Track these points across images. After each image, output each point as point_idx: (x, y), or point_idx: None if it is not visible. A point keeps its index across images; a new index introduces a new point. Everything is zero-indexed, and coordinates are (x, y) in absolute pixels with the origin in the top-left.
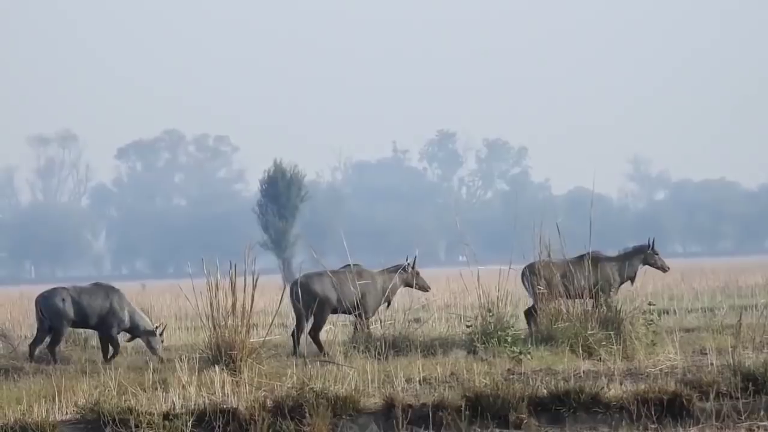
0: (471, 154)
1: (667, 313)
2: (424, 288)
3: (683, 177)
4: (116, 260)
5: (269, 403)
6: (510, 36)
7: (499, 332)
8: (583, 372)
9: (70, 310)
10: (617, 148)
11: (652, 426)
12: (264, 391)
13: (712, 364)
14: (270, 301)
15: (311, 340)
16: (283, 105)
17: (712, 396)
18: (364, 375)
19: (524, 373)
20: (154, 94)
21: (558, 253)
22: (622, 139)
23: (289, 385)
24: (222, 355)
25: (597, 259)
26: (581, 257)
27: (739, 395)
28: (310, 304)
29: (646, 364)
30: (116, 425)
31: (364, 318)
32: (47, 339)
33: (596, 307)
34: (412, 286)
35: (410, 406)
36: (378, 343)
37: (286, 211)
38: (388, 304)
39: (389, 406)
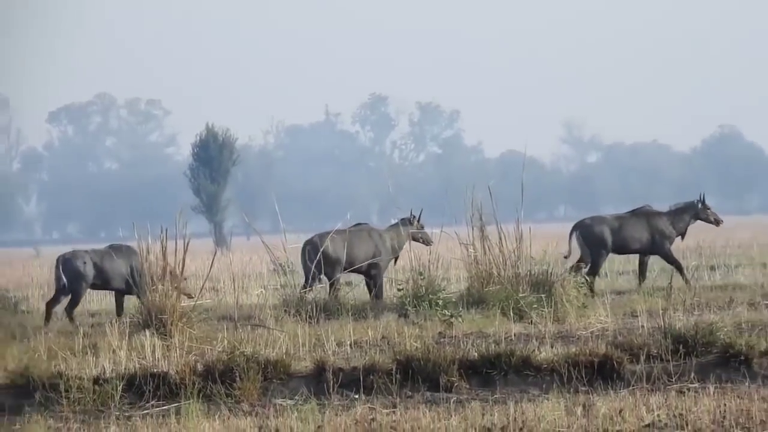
0: (404, 118)
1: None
2: (427, 242)
3: (616, 140)
4: (47, 225)
5: (200, 367)
6: None
7: (430, 295)
8: (514, 335)
9: (90, 273)
10: (550, 110)
11: (583, 388)
12: (194, 355)
13: (642, 326)
14: (201, 264)
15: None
16: (216, 69)
17: (642, 358)
18: (295, 339)
19: (455, 336)
20: (85, 58)
21: (490, 217)
22: (555, 102)
23: (219, 349)
24: (152, 319)
25: (649, 214)
26: (633, 212)
27: (670, 358)
28: (321, 263)
29: (577, 327)
30: (46, 390)
31: (376, 277)
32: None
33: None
34: (417, 240)
35: (341, 369)
36: (309, 307)
37: (217, 175)
38: (396, 260)
39: (320, 369)
